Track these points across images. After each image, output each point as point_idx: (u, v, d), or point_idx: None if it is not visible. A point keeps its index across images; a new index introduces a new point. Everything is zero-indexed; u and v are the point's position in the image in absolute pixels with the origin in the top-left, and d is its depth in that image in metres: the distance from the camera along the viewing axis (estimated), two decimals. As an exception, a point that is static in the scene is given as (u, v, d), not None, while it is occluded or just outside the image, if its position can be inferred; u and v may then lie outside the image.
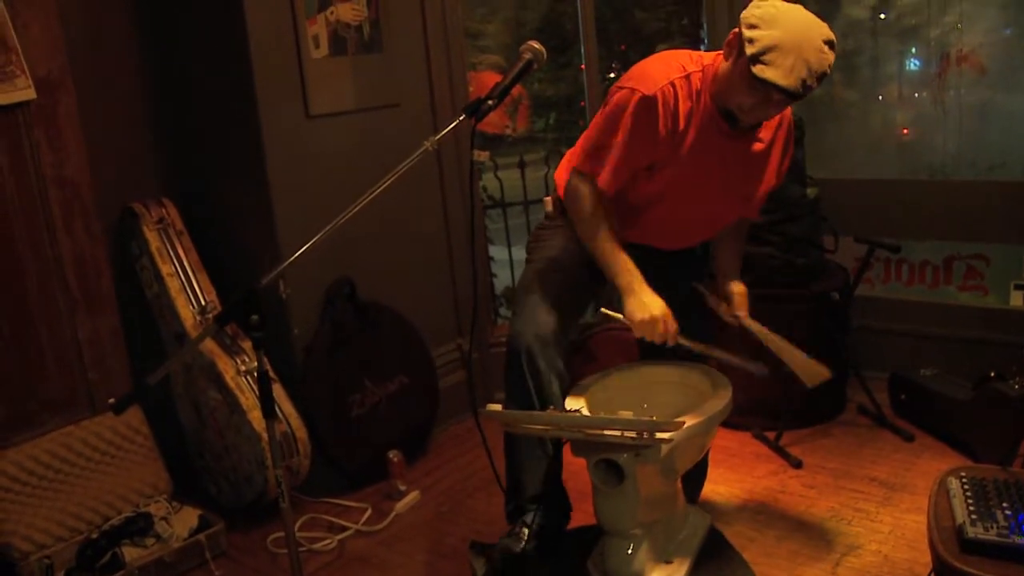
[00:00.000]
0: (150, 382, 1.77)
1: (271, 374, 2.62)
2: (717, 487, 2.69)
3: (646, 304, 1.91)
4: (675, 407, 2.02)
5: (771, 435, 2.92)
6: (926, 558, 2.14)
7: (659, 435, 1.74)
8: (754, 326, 2.09)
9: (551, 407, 1.86)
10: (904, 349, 3.23)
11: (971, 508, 1.69)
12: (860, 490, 2.61)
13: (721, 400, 1.98)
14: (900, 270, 3.36)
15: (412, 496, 2.80)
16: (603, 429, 1.76)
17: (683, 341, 1.96)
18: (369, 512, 2.73)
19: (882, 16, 3.33)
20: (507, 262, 3.60)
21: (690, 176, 1.99)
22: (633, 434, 1.73)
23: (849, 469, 2.74)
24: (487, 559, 2.13)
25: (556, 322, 2.01)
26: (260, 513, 2.67)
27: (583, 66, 3.47)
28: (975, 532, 1.61)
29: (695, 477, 2.38)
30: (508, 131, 4.53)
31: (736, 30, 1.85)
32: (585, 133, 2.06)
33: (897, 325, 3.30)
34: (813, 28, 1.80)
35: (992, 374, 2.65)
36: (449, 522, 2.67)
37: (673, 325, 1.93)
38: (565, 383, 2.05)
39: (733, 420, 2.86)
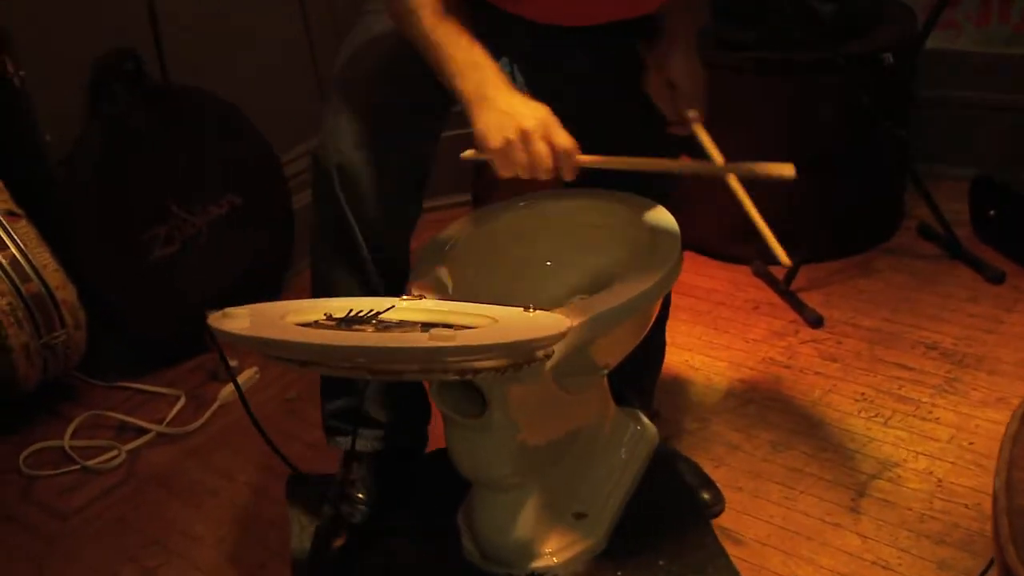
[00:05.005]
0: None
1: (14, 207, 2.24)
2: (690, 356, 2.34)
3: (508, 114, 1.40)
4: (591, 267, 1.69)
5: (779, 273, 2.53)
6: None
7: (538, 353, 1.29)
8: (706, 142, 1.60)
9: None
10: (998, 137, 2.80)
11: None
12: (909, 366, 2.24)
13: (660, 260, 1.57)
14: (1008, 5, 2.78)
15: (247, 375, 2.40)
16: (415, 366, 1.25)
17: (592, 162, 1.47)
18: (181, 403, 2.33)
19: None
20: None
21: None
22: (493, 363, 1.26)
23: (896, 330, 2.35)
24: (317, 533, 1.77)
25: (387, 141, 1.58)
26: (16, 413, 2.31)
27: None
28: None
29: (645, 369, 1.94)
30: None
31: None
32: None
33: (991, 97, 2.83)
34: None
35: None
36: (298, 417, 2.26)
37: (565, 142, 1.40)
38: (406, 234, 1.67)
39: (722, 249, 2.70)
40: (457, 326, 1.33)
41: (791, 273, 2.46)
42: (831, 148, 2.41)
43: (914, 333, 2.34)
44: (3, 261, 2.14)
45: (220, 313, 1.30)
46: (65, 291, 2.22)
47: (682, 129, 1.61)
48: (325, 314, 1.30)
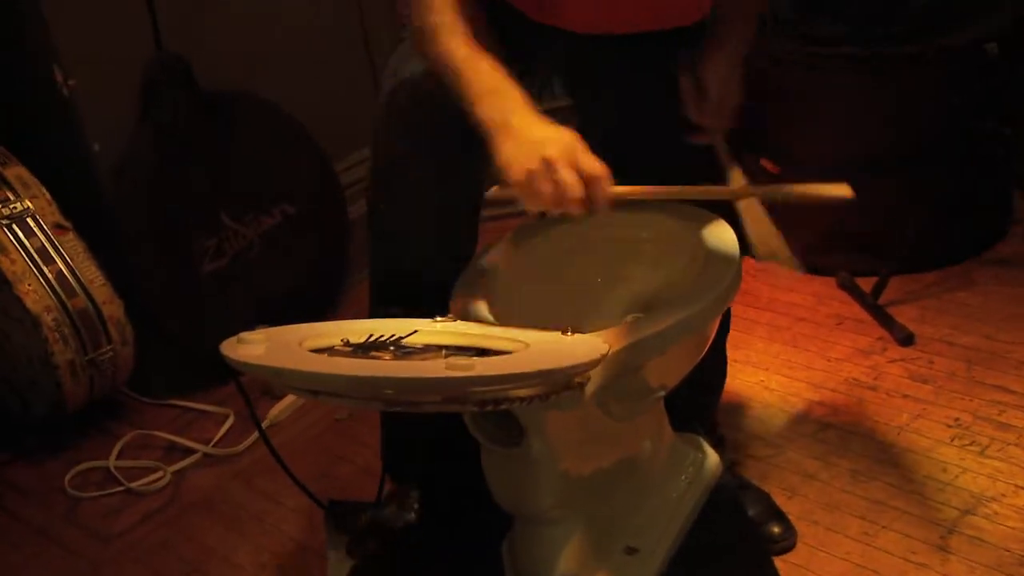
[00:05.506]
0: None
1: (62, 220, 2.27)
2: (766, 376, 2.28)
3: (530, 143, 1.32)
4: (645, 283, 1.67)
5: (866, 285, 2.45)
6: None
7: (574, 380, 1.25)
8: (724, 156, 1.62)
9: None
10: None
11: None
12: (1012, 389, 2.16)
13: (715, 277, 1.52)
14: None
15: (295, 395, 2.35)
16: (434, 397, 1.20)
17: (626, 192, 1.39)
18: (230, 422, 2.33)
19: None
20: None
21: None
22: (519, 392, 1.22)
23: (998, 349, 2.27)
24: (353, 543, 1.79)
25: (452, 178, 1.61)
26: (63, 431, 2.33)
27: None
28: None
29: (704, 392, 1.89)
30: None
31: None
32: None
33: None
34: None
35: None
36: (349, 438, 2.26)
37: (593, 167, 1.32)
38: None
39: (805, 260, 2.60)
40: (489, 351, 1.30)
41: (880, 285, 2.38)
42: (927, 149, 2.35)
43: (1019, 352, 2.24)
44: (50, 276, 2.15)
45: (235, 339, 1.27)
46: (112, 306, 2.23)
47: (703, 137, 1.60)
48: (342, 340, 1.26)
